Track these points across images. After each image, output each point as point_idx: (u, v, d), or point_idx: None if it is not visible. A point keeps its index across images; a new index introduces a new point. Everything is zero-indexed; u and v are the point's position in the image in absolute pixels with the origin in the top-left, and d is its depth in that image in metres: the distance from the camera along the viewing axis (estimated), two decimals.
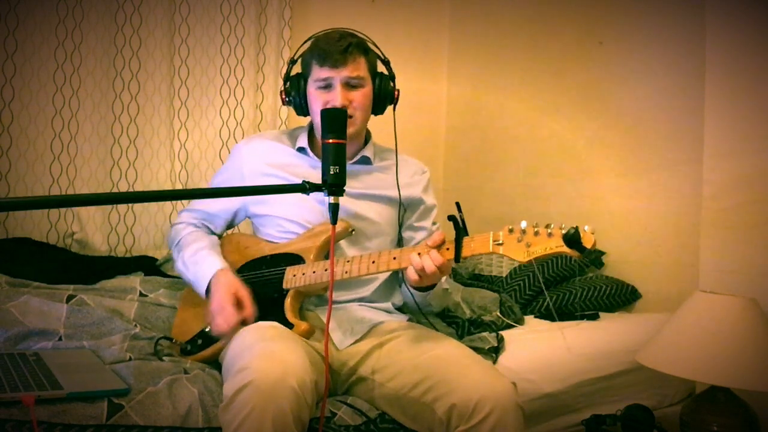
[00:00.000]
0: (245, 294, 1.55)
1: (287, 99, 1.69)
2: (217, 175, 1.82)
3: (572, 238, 1.23)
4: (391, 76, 1.69)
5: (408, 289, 1.56)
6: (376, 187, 1.70)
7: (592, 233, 1.24)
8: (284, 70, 2.65)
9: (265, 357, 1.26)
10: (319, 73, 1.61)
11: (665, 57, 2.32)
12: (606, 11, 2.52)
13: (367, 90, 1.63)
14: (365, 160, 1.71)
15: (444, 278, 1.59)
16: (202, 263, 1.64)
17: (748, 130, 1.88)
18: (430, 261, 1.36)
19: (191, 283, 1.68)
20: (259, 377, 1.20)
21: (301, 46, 1.67)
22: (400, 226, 1.74)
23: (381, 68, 1.70)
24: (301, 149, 1.69)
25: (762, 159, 1.84)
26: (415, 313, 1.72)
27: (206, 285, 1.60)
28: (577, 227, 1.24)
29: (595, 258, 2.47)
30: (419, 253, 1.38)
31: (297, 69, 1.70)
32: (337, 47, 1.58)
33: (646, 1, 2.39)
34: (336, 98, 1.58)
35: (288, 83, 1.69)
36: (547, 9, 2.76)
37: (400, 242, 1.77)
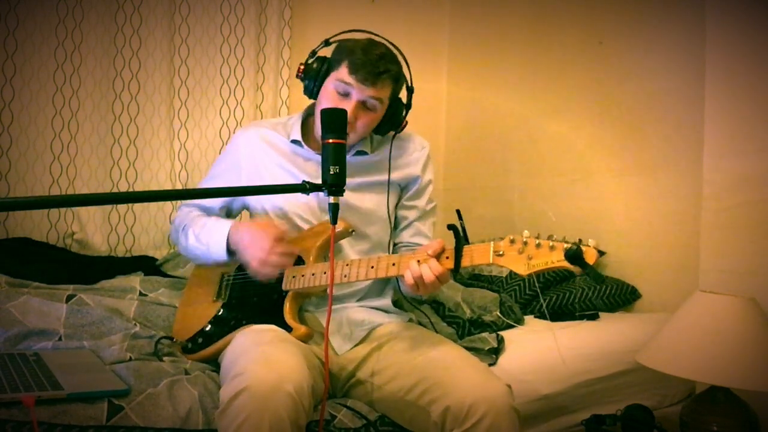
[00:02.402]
0: (274, 223, 1.57)
1: (303, 76, 1.65)
2: (215, 165, 1.82)
3: (575, 255, 1.20)
4: (408, 105, 1.68)
5: (401, 289, 1.56)
6: (370, 174, 1.69)
7: (596, 248, 1.21)
8: (284, 70, 2.70)
9: (261, 362, 1.25)
10: (344, 76, 1.58)
11: (665, 57, 2.32)
12: (606, 11, 2.52)
13: (379, 114, 1.63)
14: (361, 153, 1.70)
15: None
16: (213, 228, 1.64)
17: (748, 130, 1.87)
18: (429, 270, 1.35)
19: (207, 254, 1.65)
20: (255, 383, 1.20)
21: (342, 33, 1.64)
22: (396, 209, 1.74)
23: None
24: (294, 141, 1.69)
25: (762, 159, 1.84)
26: (409, 302, 1.72)
27: (224, 241, 1.60)
28: (579, 243, 1.21)
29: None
30: (418, 261, 1.37)
31: (326, 52, 1.66)
32: (374, 67, 1.55)
33: (646, 1, 2.39)
34: (348, 109, 1.55)
35: (313, 61, 1.65)
36: (547, 9, 2.75)
37: (397, 224, 1.76)
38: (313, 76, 1.64)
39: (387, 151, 1.70)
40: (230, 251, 1.61)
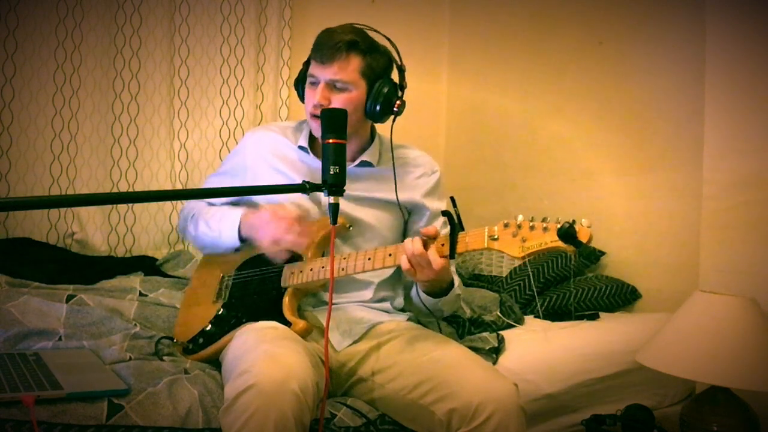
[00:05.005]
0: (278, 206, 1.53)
1: (295, 85, 1.68)
2: (223, 164, 1.82)
3: (567, 233, 1.20)
4: (401, 86, 1.60)
5: (419, 295, 1.55)
6: (376, 190, 1.65)
7: (589, 227, 1.21)
8: (284, 70, 2.70)
9: (268, 360, 1.25)
10: (311, 68, 1.58)
11: (665, 57, 2.32)
12: (606, 11, 2.52)
13: (355, 95, 1.55)
14: (366, 164, 1.66)
15: (457, 283, 1.58)
16: (225, 216, 1.62)
17: (748, 130, 1.88)
18: (419, 243, 1.34)
19: (219, 242, 1.63)
20: (262, 380, 1.20)
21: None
22: (404, 233, 1.70)
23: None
24: (301, 148, 1.67)
25: (762, 159, 1.84)
26: (425, 317, 1.70)
27: (237, 228, 1.58)
28: (572, 222, 1.21)
29: (590, 253, 2.46)
30: (412, 240, 1.36)
31: None
32: (329, 43, 1.52)
33: (646, 1, 2.39)
34: (315, 97, 1.54)
35: (300, 72, 1.66)
36: (547, 9, 2.76)
37: None
38: (297, 84, 1.66)
39: (396, 166, 1.64)
40: (242, 238, 1.60)
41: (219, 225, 1.63)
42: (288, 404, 1.19)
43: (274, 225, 1.50)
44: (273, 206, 1.56)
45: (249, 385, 1.20)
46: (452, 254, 1.34)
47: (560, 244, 1.22)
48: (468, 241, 1.33)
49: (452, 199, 1.37)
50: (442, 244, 1.35)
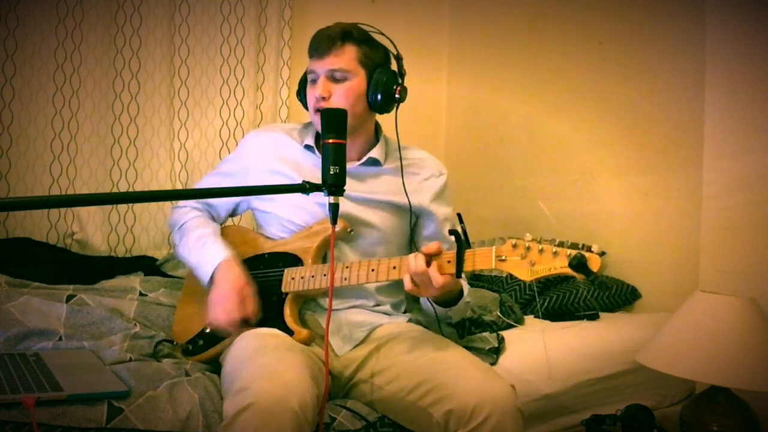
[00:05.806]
0: (250, 292, 1.52)
1: (298, 96, 1.69)
2: (223, 163, 1.79)
3: (579, 263, 1.19)
4: (400, 74, 1.60)
5: (431, 303, 1.54)
6: (382, 192, 1.63)
7: (599, 254, 1.19)
8: (284, 70, 2.70)
9: (266, 377, 1.24)
10: (309, 65, 1.58)
11: (665, 57, 2.32)
12: (606, 11, 2.52)
13: (355, 83, 1.55)
14: (373, 162, 1.64)
15: (466, 291, 1.57)
16: (208, 250, 1.60)
17: (748, 130, 1.88)
18: (422, 260, 1.33)
19: (194, 269, 1.63)
20: (261, 399, 1.19)
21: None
22: (412, 237, 1.69)
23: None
24: (307, 147, 1.65)
25: (762, 159, 1.84)
26: (433, 324, 1.70)
27: (210, 273, 1.56)
28: (582, 252, 1.19)
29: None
30: (415, 255, 1.35)
31: None
32: (324, 36, 1.54)
33: (646, 1, 2.39)
34: (316, 90, 1.55)
35: (300, 81, 1.68)
36: (547, 9, 2.75)
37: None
38: (301, 90, 1.66)
39: (403, 165, 1.62)
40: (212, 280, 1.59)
41: (199, 255, 1.61)
42: (287, 422, 1.18)
43: (226, 306, 1.49)
44: (237, 284, 1.52)
45: (248, 403, 1.19)
46: (459, 273, 1.32)
47: (570, 271, 1.20)
48: (475, 260, 1.31)
49: (459, 216, 1.35)
50: (449, 261, 1.34)
